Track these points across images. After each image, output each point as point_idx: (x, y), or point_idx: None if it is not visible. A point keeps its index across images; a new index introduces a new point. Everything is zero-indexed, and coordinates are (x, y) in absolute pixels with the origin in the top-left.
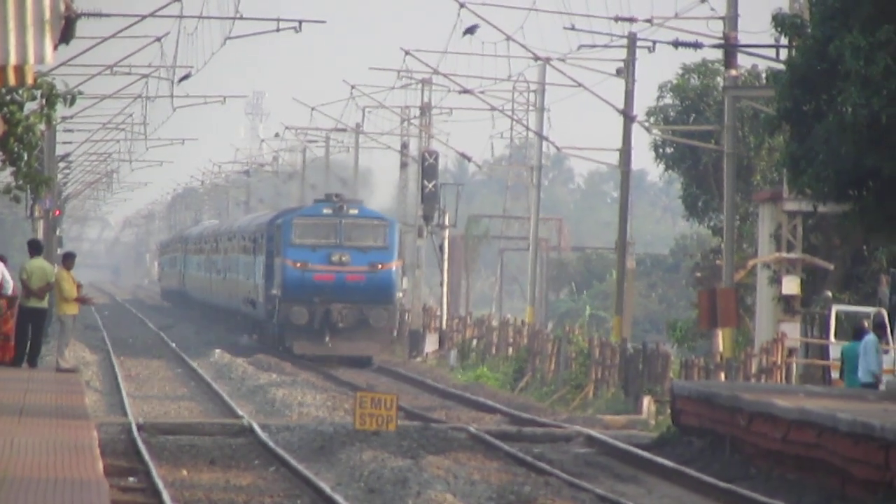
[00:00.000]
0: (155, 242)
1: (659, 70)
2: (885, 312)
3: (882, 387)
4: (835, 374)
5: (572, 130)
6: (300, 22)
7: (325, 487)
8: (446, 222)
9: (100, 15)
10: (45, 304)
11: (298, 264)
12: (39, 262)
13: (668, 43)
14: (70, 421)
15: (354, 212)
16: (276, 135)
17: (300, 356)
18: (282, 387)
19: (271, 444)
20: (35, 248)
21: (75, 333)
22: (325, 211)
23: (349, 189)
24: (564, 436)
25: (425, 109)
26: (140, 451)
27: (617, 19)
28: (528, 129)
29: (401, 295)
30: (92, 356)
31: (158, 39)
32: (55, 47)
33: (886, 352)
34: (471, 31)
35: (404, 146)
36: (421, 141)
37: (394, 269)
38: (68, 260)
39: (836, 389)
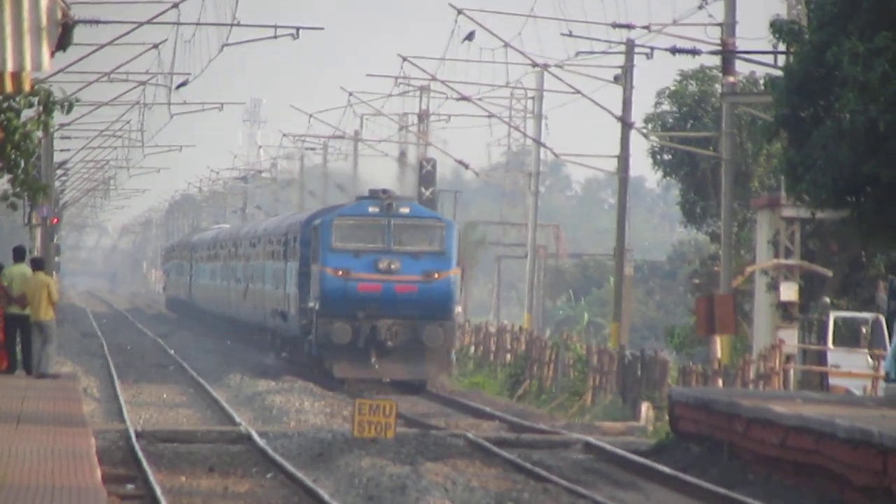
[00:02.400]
0: (152, 250)
1: (657, 77)
2: (882, 319)
3: None
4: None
5: (570, 137)
6: (298, 29)
7: (324, 494)
8: None
9: (97, 22)
10: (27, 311)
11: (340, 272)
12: (20, 269)
13: (666, 49)
14: (68, 428)
15: (405, 210)
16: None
17: (341, 380)
18: (279, 393)
19: (269, 451)
20: (18, 254)
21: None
22: (371, 210)
23: (347, 197)
24: (563, 442)
25: (423, 116)
26: (138, 459)
27: (615, 26)
28: (525, 135)
29: (459, 310)
30: (90, 362)
31: (156, 46)
32: (52, 54)
33: (884, 357)
34: (469, 37)
35: (402, 154)
36: (419, 148)
37: (452, 278)
38: (39, 264)
39: (833, 396)
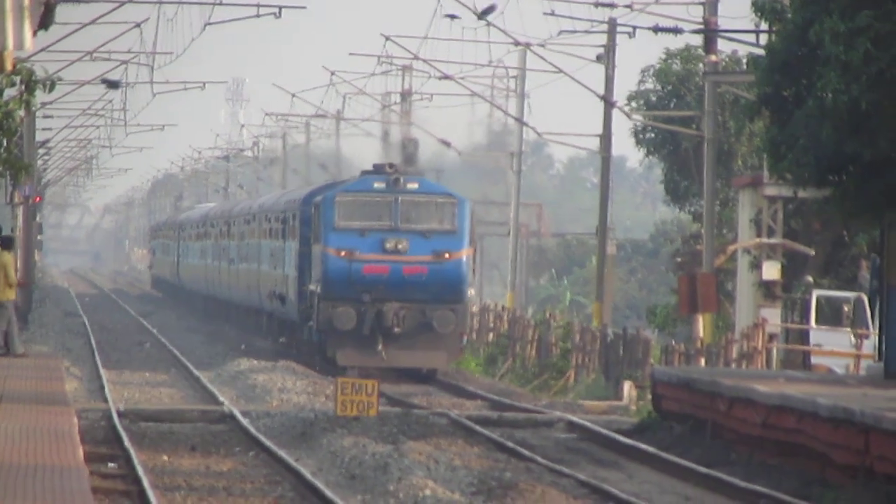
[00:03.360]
0: (135, 229)
1: (639, 56)
2: (865, 298)
3: None
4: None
5: (553, 116)
6: (280, 8)
7: (306, 473)
8: None
9: (79, 1)
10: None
11: (343, 253)
12: None
13: (649, 28)
14: (50, 407)
15: (414, 186)
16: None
17: (345, 368)
18: (262, 372)
19: (252, 430)
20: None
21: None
22: (377, 185)
23: (330, 176)
24: (545, 421)
25: (406, 95)
26: (120, 438)
27: (597, 4)
28: (508, 114)
29: (472, 292)
30: (72, 342)
31: (138, 25)
32: (34, 33)
33: (867, 337)
34: (452, 17)
35: (385, 133)
36: (401, 128)
37: (464, 258)
38: (8, 243)
39: (816, 375)
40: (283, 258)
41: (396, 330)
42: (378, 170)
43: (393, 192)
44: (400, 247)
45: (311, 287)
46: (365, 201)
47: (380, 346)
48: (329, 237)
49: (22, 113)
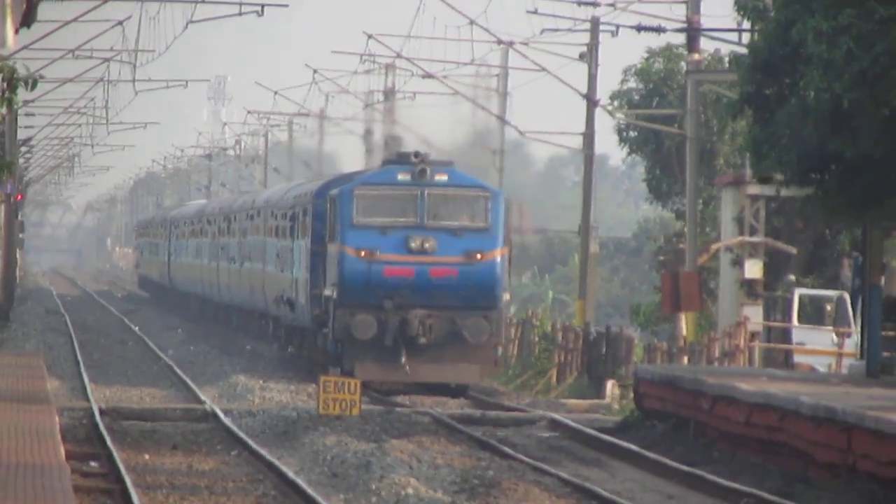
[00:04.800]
0: (117, 227)
1: (622, 54)
2: (847, 296)
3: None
4: None
5: (535, 115)
6: (262, 6)
7: (288, 472)
8: None
9: None
10: None
11: (363, 253)
12: None
13: (632, 27)
14: (32, 406)
15: (443, 178)
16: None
17: (365, 383)
18: (244, 371)
19: (234, 428)
20: None
21: None
22: (401, 177)
23: (313, 175)
24: (528, 420)
25: (389, 94)
26: (102, 436)
27: (580, 3)
28: (490, 113)
29: (507, 297)
30: (55, 340)
31: (120, 23)
32: (16, 31)
33: (849, 335)
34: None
35: (368, 131)
36: (384, 126)
37: (499, 259)
38: None
39: (798, 373)
40: (292, 259)
41: (422, 340)
42: (402, 159)
43: (419, 185)
44: (426, 246)
45: (326, 291)
46: (387, 195)
47: (403, 359)
48: (346, 235)
49: (4, 111)
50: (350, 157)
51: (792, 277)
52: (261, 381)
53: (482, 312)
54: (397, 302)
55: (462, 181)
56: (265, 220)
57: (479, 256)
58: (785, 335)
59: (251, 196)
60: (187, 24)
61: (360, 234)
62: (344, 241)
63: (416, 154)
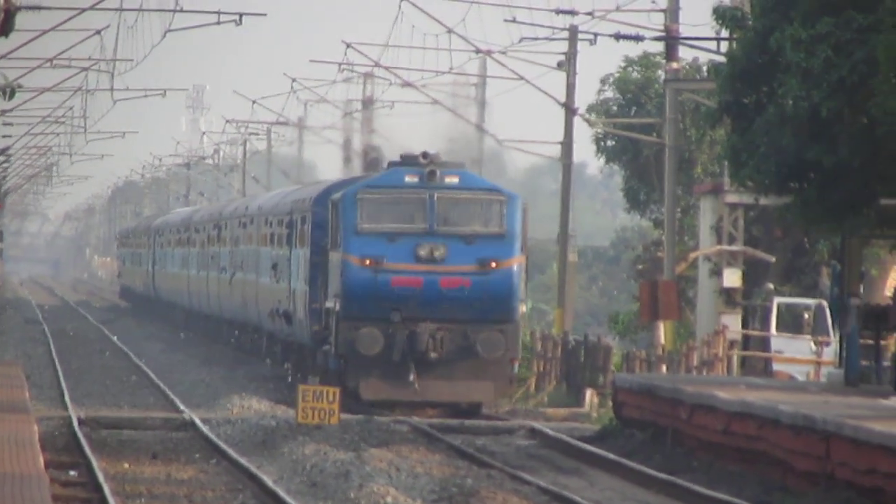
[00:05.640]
0: (95, 236)
1: (601, 63)
2: (825, 305)
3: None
4: None
5: (513, 123)
6: (241, 15)
7: (268, 481)
8: None
9: (39, 8)
10: None
11: (368, 262)
12: None
13: (610, 36)
14: (10, 415)
15: (454, 180)
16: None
17: (371, 403)
18: (223, 379)
19: (213, 437)
20: None
21: None
22: (409, 179)
23: (292, 184)
24: (507, 428)
25: (367, 103)
26: (81, 445)
27: (558, 12)
28: (468, 122)
29: (524, 309)
30: (33, 350)
31: (98, 32)
32: None
33: (828, 344)
34: None
35: (347, 140)
36: (363, 135)
37: (515, 268)
38: None
39: (777, 382)
40: (289, 269)
41: (432, 356)
42: (408, 160)
43: (428, 188)
44: (436, 254)
45: (328, 304)
46: (394, 198)
47: (412, 376)
48: (350, 242)
49: None
50: (329, 166)
51: (770, 286)
52: (241, 393)
53: (497, 326)
54: (405, 314)
55: (475, 183)
56: (259, 227)
57: (493, 265)
58: (763, 344)
59: (243, 202)
60: (165, 33)
61: (364, 241)
62: (347, 249)
63: (425, 155)
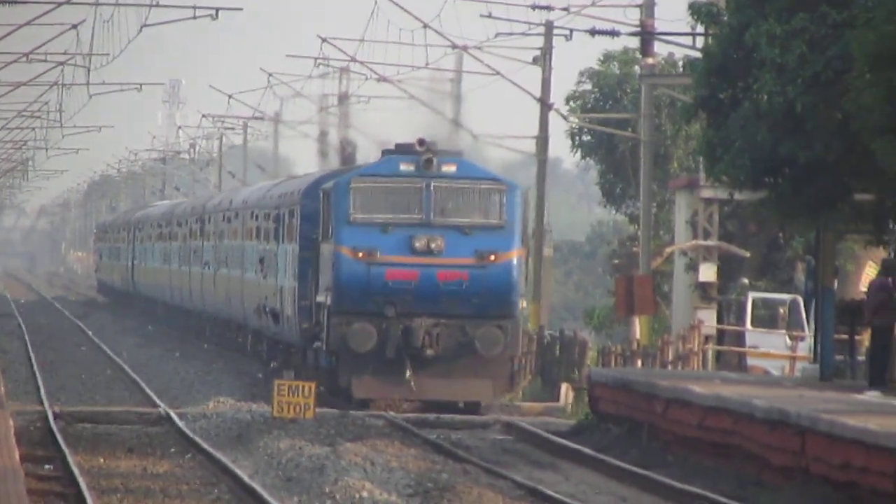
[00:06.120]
0: (71, 231)
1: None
2: (800, 300)
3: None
4: None
5: (489, 118)
6: (217, 9)
7: (243, 475)
8: None
9: (15, 2)
10: None
11: (361, 254)
12: None
13: (586, 31)
14: None
15: (451, 168)
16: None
17: (363, 401)
18: (199, 373)
19: (188, 432)
20: None
21: None
22: (404, 168)
23: (268, 178)
24: (482, 423)
25: (343, 98)
26: (56, 440)
27: (534, 7)
28: (444, 117)
29: (524, 304)
30: (9, 344)
31: (75, 27)
32: None
33: (802, 339)
34: None
35: (323, 134)
36: (339, 129)
37: (514, 261)
38: None
39: (751, 376)
40: (276, 265)
41: (429, 352)
42: (405, 148)
43: (424, 177)
44: (433, 246)
45: (319, 298)
46: (388, 188)
47: (408, 374)
48: (342, 233)
49: None
50: (305, 160)
51: (745, 281)
52: (217, 388)
53: (496, 321)
54: (400, 309)
55: (473, 173)
56: (244, 221)
57: (492, 258)
58: (738, 338)
59: (227, 196)
60: (142, 28)
61: (357, 232)
62: (340, 241)
63: (422, 142)
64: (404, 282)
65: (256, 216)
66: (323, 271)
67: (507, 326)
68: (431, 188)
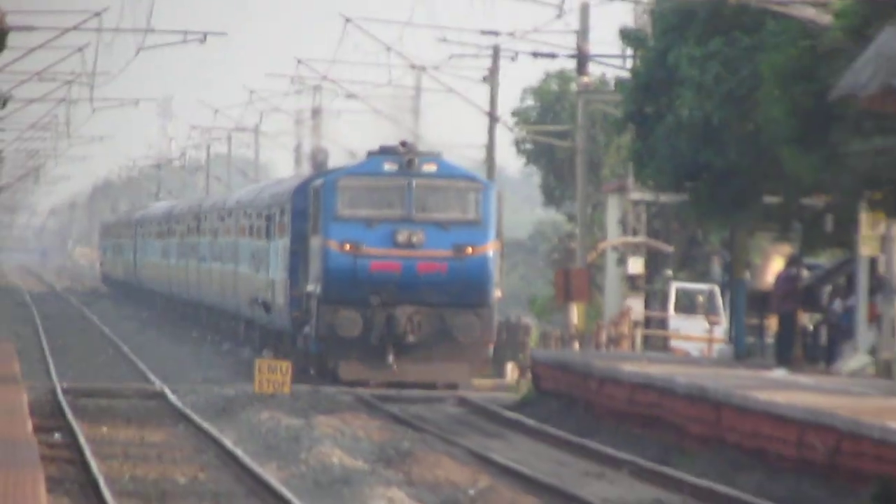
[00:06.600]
0: (77, 230)
1: (520, 77)
2: (717, 289)
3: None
4: None
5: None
6: (205, 34)
7: (228, 443)
8: None
9: (29, 29)
10: None
11: (347, 247)
12: None
13: (529, 53)
14: (3, 386)
15: (431, 168)
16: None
17: (350, 384)
18: (190, 356)
19: (180, 405)
20: None
21: None
22: (387, 167)
23: (250, 183)
24: (438, 398)
25: (316, 112)
26: (65, 412)
27: (483, 32)
28: (405, 129)
29: (499, 294)
30: (23, 329)
31: (80, 50)
32: None
33: (718, 323)
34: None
35: (298, 144)
36: (313, 140)
37: (490, 254)
38: None
39: (674, 357)
40: (268, 259)
41: (410, 338)
42: (388, 149)
43: (406, 175)
44: (414, 240)
45: (308, 287)
46: (373, 186)
47: (390, 358)
48: (330, 228)
49: None
50: (282, 167)
51: (669, 273)
52: (206, 367)
53: (473, 310)
54: (384, 298)
55: (451, 172)
56: (237, 220)
57: (469, 251)
58: (663, 323)
59: (221, 197)
60: (138, 51)
61: (344, 226)
62: (327, 235)
63: (404, 143)
64: (387, 273)
65: (249, 215)
66: (312, 263)
67: (482, 314)
68: (412, 186)
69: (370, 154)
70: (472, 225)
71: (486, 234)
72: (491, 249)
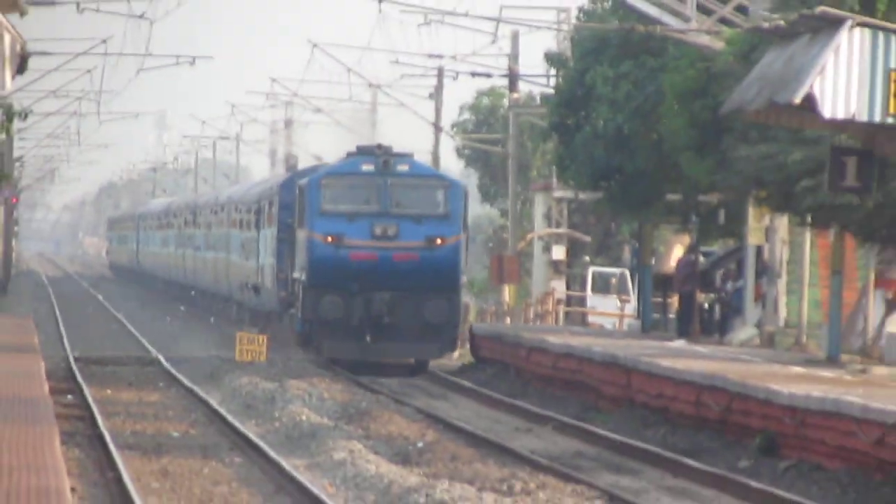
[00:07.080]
0: (86, 223)
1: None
2: (627, 272)
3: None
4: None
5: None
6: (194, 58)
7: (214, 403)
8: None
9: (45, 53)
10: None
11: (330, 239)
12: None
13: (468, 73)
14: (24, 355)
15: (404, 168)
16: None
17: (332, 360)
18: (183, 330)
19: (173, 371)
20: None
21: None
22: (365, 167)
23: (230, 184)
24: (393, 366)
25: (288, 123)
26: (76, 376)
27: (430, 56)
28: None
29: (465, 280)
30: (41, 306)
31: (89, 71)
32: (13, 77)
33: (628, 301)
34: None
35: (273, 151)
36: (286, 147)
37: (458, 244)
38: None
39: (592, 330)
40: (258, 248)
41: (386, 320)
42: (365, 150)
43: (382, 175)
44: (390, 232)
45: (295, 274)
46: (353, 184)
47: (368, 338)
48: (315, 222)
49: (3, 137)
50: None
51: (587, 258)
52: (196, 340)
53: (443, 295)
54: (363, 284)
55: (422, 171)
56: (229, 214)
57: (439, 242)
58: (582, 301)
59: (214, 194)
60: (138, 72)
61: (327, 220)
62: (313, 228)
63: (380, 146)
64: (366, 262)
65: (240, 209)
66: (299, 253)
67: (451, 298)
68: (388, 184)
69: (349, 155)
70: (441, 219)
71: (454, 226)
72: (458, 240)
